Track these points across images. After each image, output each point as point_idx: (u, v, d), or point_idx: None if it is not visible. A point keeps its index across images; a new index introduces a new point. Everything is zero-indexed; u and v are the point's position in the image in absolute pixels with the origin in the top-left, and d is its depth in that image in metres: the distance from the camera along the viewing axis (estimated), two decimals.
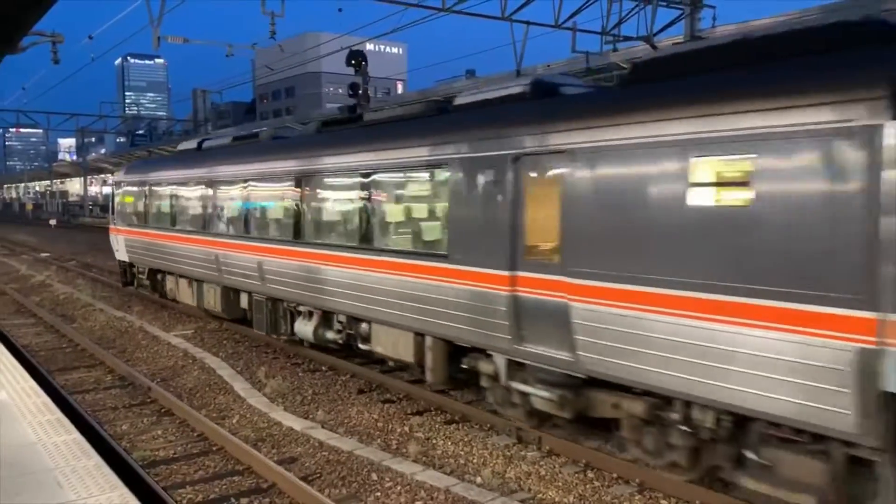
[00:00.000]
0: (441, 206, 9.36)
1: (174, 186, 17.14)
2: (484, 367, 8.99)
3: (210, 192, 15.33)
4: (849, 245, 5.33)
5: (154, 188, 18.33)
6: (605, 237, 7.12)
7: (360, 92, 21.56)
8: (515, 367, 8.47)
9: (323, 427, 9.45)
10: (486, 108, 9.19)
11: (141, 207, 19.04)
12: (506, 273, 8.21)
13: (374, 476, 7.78)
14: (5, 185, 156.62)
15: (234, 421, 9.84)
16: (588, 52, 20.03)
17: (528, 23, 19.15)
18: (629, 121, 6.94)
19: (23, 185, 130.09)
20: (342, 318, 11.58)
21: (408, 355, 10.03)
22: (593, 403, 7.76)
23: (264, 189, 13.48)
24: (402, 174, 10.28)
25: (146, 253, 18.61)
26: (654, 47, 19.37)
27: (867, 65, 5.51)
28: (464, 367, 9.37)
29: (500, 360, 8.64)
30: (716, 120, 6.18)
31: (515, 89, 9.02)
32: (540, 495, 7.39)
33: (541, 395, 8.10)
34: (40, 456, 6.14)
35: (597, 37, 19.71)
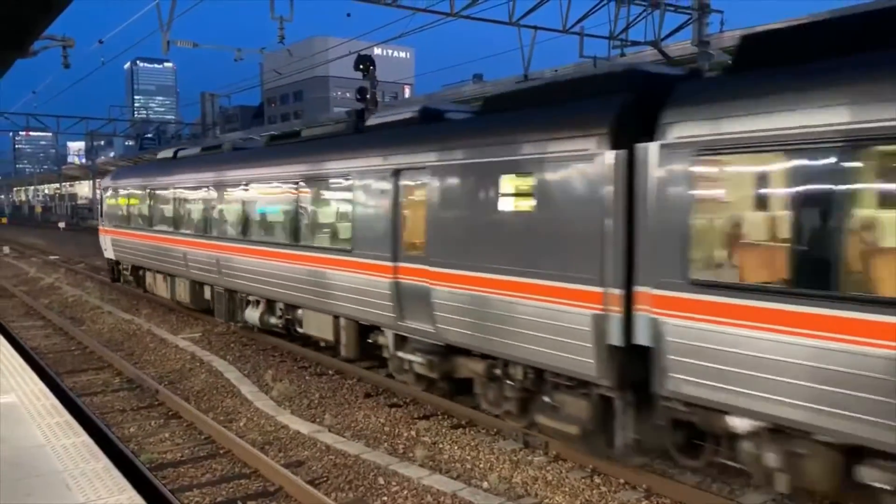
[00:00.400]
0: (348, 210, 11.19)
1: (152, 191, 19.08)
2: (382, 340, 10.96)
3: (180, 196, 17.31)
4: (589, 239, 7.28)
5: (135, 192, 20.37)
6: (452, 234, 9.11)
7: (368, 96, 21.62)
8: (400, 340, 10.44)
9: (330, 431, 9.47)
10: (384, 130, 11.21)
11: (125, 210, 21.10)
12: (390, 264, 10.13)
13: (381, 480, 7.78)
14: (15, 188, 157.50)
15: (242, 424, 9.87)
16: (596, 57, 20.03)
17: (535, 28, 19.16)
18: (461, 144, 9.06)
19: (32, 187, 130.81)
20: (281, 305, 13.48)
21: (328, 334, 11.95)
22: (455, 366, 9.65)
23: (221, 194, 15.32)
24: (321, 183, 12.15)
25: (129, 251, 20.66)
26: (662, 52, 19.37)
27: (599, 110, 7.42)
28: (369, 342, 11.32)
29: (389, 335, 10.66)
30: (511, 147, 8.30)
31: (408, 114, 10.95)
32: (547, 500, 7.38)
33: (418, 362, 10.01)
34: (49, 458, 6.17)
35: (604, 42, 19.73)
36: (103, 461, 6.09)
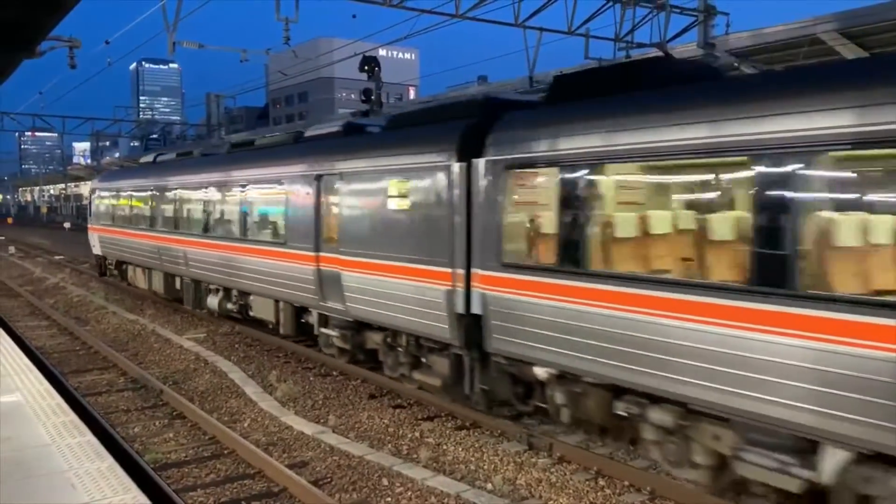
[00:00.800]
0: (283, 209, 13.16)
1: (133, 192, 21.31)
2: (311, 320, 12.89)
3: (156, 196, 19.38)
4: (443, 230, 9.34)
5: (119, 194, 22.63)
6: (356, 228, 11.07)
7: (373, 97, 21.63)
8: (323, 318, 12.47)
9: (334, 432, 9.47)
10: (315, 141, 13.26)
11: (110, 209, 23.40)
12: (313, 254, 12.13)
13: (385, 481, 7.78)
14: (21, 188, 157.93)
15: (246, 424, 9.88)
16: (601, 59, 20.02)
17: (541, 29, 19.14)
18: (363, 155, 11.22)
19: (37, 188, 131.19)
20: (235, 292, 15.57)
21: (271, 316, 14.14)
22: (364, 339, 11.65)
23: (188, 194, 17.46)
24: (265, 186, 14.12)
25: (114, 247, 22.96)
26: (667, 54, 19.31)
27: (451, 132, 9.51)
28: (302, 321, 13.28)
29: (315, 314, 12.71)
30: (395, 157, 10.42)
31: (335, 128, 13.12)
32: (551, 502, 7.37)
33: (336, 336, 12.09)
34: (54, 457, 6.18)
35: (610, 43, 19.71)
36: (108, 461, 6.10)
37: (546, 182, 8.51)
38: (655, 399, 7.19)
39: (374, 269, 10.63)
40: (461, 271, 9.17)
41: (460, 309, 9.14)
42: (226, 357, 13.68)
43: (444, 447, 8.92)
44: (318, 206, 12.09)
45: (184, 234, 17.34)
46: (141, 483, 6.05)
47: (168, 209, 18.43)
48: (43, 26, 12.08)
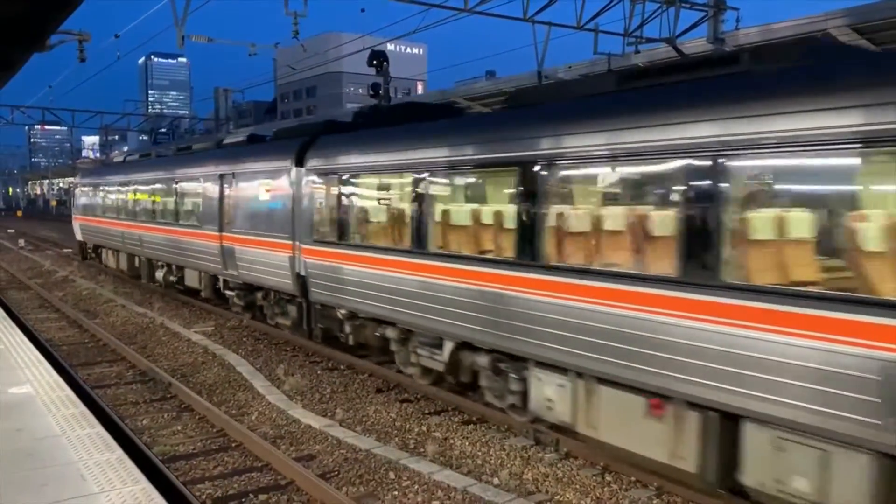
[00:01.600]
0: (200, 200, 17.22)
1: (105, 187, 25.53)
2: (220, 285, 16.87)
3: (121, 191, 23.55)
4: (287, 215, 13.19)
5: (94, 188, 26.91)
6: (242, 213, 14.99)
7: (381, 92, 21.62)
8: (227, 282, 16.40)
9: (341, 425, 9.50)
10: (225, 147, 17.61)
11: (87, 202, 27.70)
12: (217, 233, 16.15)
13: (392, 475, 7.81)
14: (30, 182, 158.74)
15: (253, 417, 9.92)
16: (610, 54, 19.94)
17: (549, 24, 19.07)
18: (247, 159, 15.13)
19: (47, 181, 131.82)
20: (174, 267, 19.67)
21: (196, 284, 18.36)
22: (253, 297, 15.60)
23: (143, 189, 21.54)
24: (192, 182, 17.92)
25: (91, 234, 27.44)
26: (676, 49, 19.25)
27: (293, 146, 13.40)
28: (218, 287, 17.08)
29: (221, 280, 16.65)
30: (264, 162, 14.36)
31: (241, 137, 17.98)
32: (557, 497, 7.38)
33: (234, 295, 16.15)
34: (64, 448, 6.23)
35: (619, 38, 19.63)
36: (117, 452, 6.15)
37: (333, 184, 12.28)
38: (390, 324, 11.12)
39: (253, 244, 14.63)
40: (297, 243, 13.07)
41: (298, 270, 13.08)
42: (234, 351, 13.74)
43: (451, 441, 8.94)
44: (221, 197, 16.03)
45: (139, 222, 21.58)
46: (149, 475, 6.10)
47: (129, 201, 22.60)
48: (53, 20, 12.11)
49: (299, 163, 13.00)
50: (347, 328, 12.24)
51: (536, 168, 8.22)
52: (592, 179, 8.08)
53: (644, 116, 7.12)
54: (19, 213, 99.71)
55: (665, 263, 6.89)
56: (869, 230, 5.61)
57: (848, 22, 16.53)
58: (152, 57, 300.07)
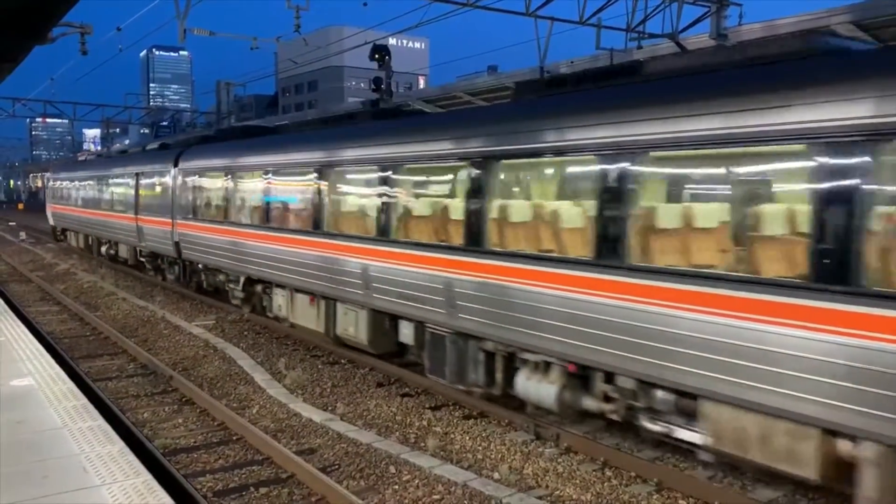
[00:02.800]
0: (123, 191, 22.86)
1: (69, 181, 31.55)
2: (139, 256, 22.77)
3: (77, 184, 29.67)
4: (169, 201, 19.11)
5: (62, 182, 33.10)
6: (146, 201, 20.77)
7: (383, 87, 21.56)
8: (141, 252, 22.45)
9: (342, 419, 9.52)
10: (142, 152, 24.00)
11: (56, 193, 34.30)
12: (134, 216, 21.79)
13: (393, 469, 7.82)
14: (31, 175, 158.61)
15: (255, 411, 9.93)
16: (613, 49, 19.90)
17: (552, 19, 19.02)
18: (148, 163, 21.24)
19: (48, 174, 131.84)
20: (112, 243, 25.54)
21: (126, 255, 23.93)
22: (156, 262, 21.29)
23: (92, 183, 27.36)
24: (117, 178, 23.87)
25: (58, 219, 34.00)
26: (679, 45, 19.20)
27: (174, 153, 19.83)
28: (140, 258, 22.79)
29: (138, 250, 22.68)
30: (155, 165, 20.79)
31: (156, 145, 24.04)
32: (557, 492, 7.39)
33: (145, 261, 22.00)
34: (66, 441, 6.24)
35: (622, 34, 19.58)
36: (119, 445, 6.16)
37: (192, 179, 17.93)
38: (223, 272, 16.67)
39: (152, 223, 20.52)
40: (175, 220, 18.74)
41: (175, 239, 18.78)
42: (234, 344, 13.75)
43: (452, 436, 8.95)
44: (136, 190, 21.77)
45: (89, 209, 27.49)
46: (150, 468, 6.11)
47: (82, 192, 28.74)
48: (55, 12, 12.09)
49: (176, 165, 18.94)
50: (202, 276, 18.44)
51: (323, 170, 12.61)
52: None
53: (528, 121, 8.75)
54: (21, 206, 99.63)
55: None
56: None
57: (851, 18, 16.46)
58: (154, 50, 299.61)
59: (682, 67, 7.74)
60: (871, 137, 5.48)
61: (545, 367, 8.49)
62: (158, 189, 20.04)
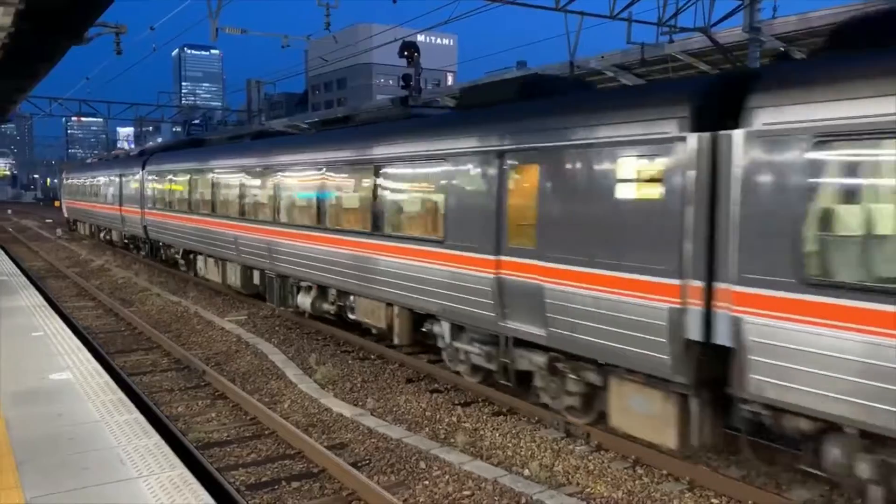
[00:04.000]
0: (111, 188, 29.38)
1: (76, 179, 39.21)
2: (122, 237, 30.20)
3: (82, 182, 36.55)
4: (138, 196, 25.48)
5: (74, 180, 39.95)
6: (124, 195, 27.29)
7: (412, 83, 21.61)
8: (123, 235, 29.73)
9: (372, 414, 9.57)
10: (122, 158, 32.83)
11: (71, 189, 41.21)
12: (118, 207, 28.29)
13: (423, 464, 7.85)
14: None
15: (286, 406, 10.03)
16: (643, 44, 19.69)
17: (582, 13, 18.87)
18: (124, 167, 28.07)
19: (63, 174, 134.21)
20: (107, 230, 32.45)
21: (116, 238, 31.07)
22: (137, 243, 27.96)
23: (91, 181, 34.00)
24: (107, 178, 30.42)
25: (72, 212, 41.35)
26: (711, 39, 18.94)
27: (142, 158, 26.78)
28: (125, 240, 29.54)
29: (122, 234, 29.81)
30: (125, 169, 27.93)
31: (136, 153, 34.02)
32: (588, 489, 7.37)
33: (127, 241, 29.39)
34: (104, 434, 6.37)
35: (653, 28, 19.37)
36: (154, 438, 6.27)
37: (153, 178, 23.42)
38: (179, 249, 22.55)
39: (128, 212, 26.51)
40: (144, 210, 24.64)
41: (144, 224, 24.75)
42: (266, 339, 13.90)
43: (481, 432, 8.96)
44: (119, 188, 27.79)
45: (90, 202, 34.39)
46: (184, 461, 6.21)
47: (87, 189, 35.34)
48: (91, 12, 12.30)
49: (143, 167, 25.00)
50: (162, 252, 24.25)
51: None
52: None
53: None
54: (57, 203, 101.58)
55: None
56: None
57: (889, 9, 16.08)
58: (186, 49, 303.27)
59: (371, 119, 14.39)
60: None
61: (308, 288, 14.32)
62: (134, 186, 25.93)
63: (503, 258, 8.97)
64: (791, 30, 18.16)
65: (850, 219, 5.75)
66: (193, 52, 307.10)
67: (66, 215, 43.93)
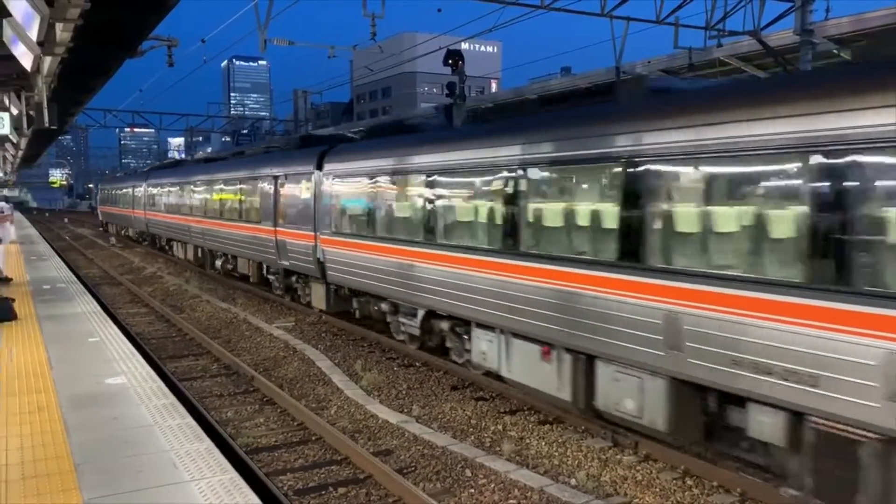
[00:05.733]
0: (131, 197, 37.70)
1: (111, 189, 46.76)
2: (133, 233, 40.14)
3: (113, 192, 44.94)
4: (140, 201, 36.02)
5: (108, 190, 48.21)
6: (145, 202, 33.95)
7: (457, 91, 21.68)
8: (136, 231, 38.33)
9: (417, 421, 9.60)
10: (140, 173, 40.47)
11: (103, 197, 51.11)
12: (138, 210, 35.55)
13: (468, 472, 7.84)
14: None
15: (332, 412, 10.12)
16: (691, 48, 19.46)
17: (628, 18, 18.74)
18: (147, 180, 34.86)
19: (99, 185, 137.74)
20: (127, 228, 41.99)
21: (132, 234, 40.42)
22: (148, 240, 36.05)
23: (118, 192, 42.67)
24: (127, 190, 39.68)
25: (104, 215, 50.26)
26: (761, 42, 18.60)
27: (144, 174, 36.79)
28: (127, 234, 41.08)
29: (135, 231, 38.75)
30: (142, 182, 36.10)
31: (144, 170, 45.89)
32: (636, 500, 7.26)
33: (137, 237, 39.23)
34: (157, 438, 6.52)
35: (700, 32, 19.12)
36: (206, 443, 6.38)
37: (152, 190, 33.23)
38: (171, 238, 30.85)
39: (160, 217, 31.20)
40: (145, 211, 34.12)
41: (146, 222, 34.19)
42: (313, 346, 14.05)
43: (527, 441, 8.91)
44: (132, 196, 36.45)
45: (116, 208, 42.98)
46: (233, 465, 6.31)
47: (112, 197, 44.57)
48: (145, 27, 12.65)
49: (146, 180, 33.73)
50: (157, 241, 31.63)
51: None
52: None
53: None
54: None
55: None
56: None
57: None
58: (234, 60, 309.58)
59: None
60: None
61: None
62: (138, 193, 35.38)
63: None
64: (845, 31, 17.73)
65: None
66: (242, 63, 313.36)
67: (100, 218, 55.04)
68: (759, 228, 6.59)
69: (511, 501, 7.15)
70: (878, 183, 5.65)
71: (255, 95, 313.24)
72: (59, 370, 9.01)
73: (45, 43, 9.06)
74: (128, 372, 8.94)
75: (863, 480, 5.76)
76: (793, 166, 6.25)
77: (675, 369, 7.24)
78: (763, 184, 6.59)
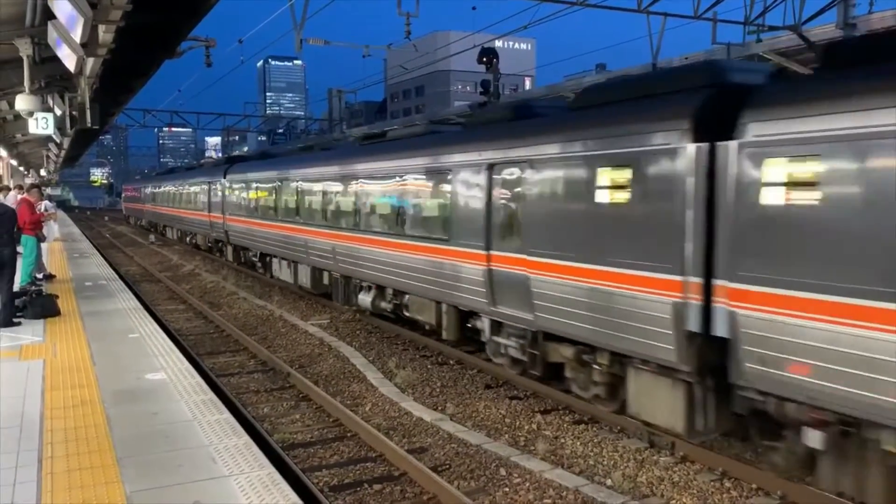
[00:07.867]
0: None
1: (136, 188, 54.90)
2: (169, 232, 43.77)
3: (142, 190, 50.19)
4: (149, 200, 47.00)
5: (136, 188, 54.16)
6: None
7: (491, 89, 21.67)
8: (155, 227, 46.74)
9: (451, 419, 9.60)
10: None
11: (133, 195, 55.97)
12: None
13: (503, 471, 7.82)
14: None
15: (367, 409, 10.18)
16: (729, 44, 19.15)
17: (665, 14, 18.52)
18: (157, 181, 45.95)
19: (124, 185, 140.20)
20: (162, 226, 44.64)
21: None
22: (156, 228, 45.96)
23: (156, 190, 43.52)
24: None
25: (128, 210, 61.38)
26: (802, 37, 18.23)
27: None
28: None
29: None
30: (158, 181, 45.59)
31: (156, 173, 62.90)
32: (673, 502, 7.18)
33: (142, 227, 52.02)
34: (196, 433, 6.62)
35: (739, 27, 18.81)
36: (244, 438, 6.47)
37: (154, 191, 45.21)
38: (167, 226, 41.56)
39: (134, 207, 55.11)
40: (149, 206, 46.44)
41: (149, 217, 47.40)
42: (348, 343, 14.15)
43: (562, 440, 8.86)
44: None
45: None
46: (270, 461, 6.38)
47: (147, 196, 46.06)
48: (183, 28, 12.85)
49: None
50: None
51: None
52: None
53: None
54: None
55: None
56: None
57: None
58: (270, 60, 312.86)
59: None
60: None
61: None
62: (149, 193, 42.06)
63: None
64: (889, 25, 17.29)
65: None
66: (277, 63, 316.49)
67: (124, 213, 64.72)
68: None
69: (546, 501, 7.12)
70: None
71: (291, 95, 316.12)
72: (102, 365, 9.20)
73: (88, 45, 9.26)
74: (167, 368, 9.09)
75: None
76: (202, 188, 24.40)
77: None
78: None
